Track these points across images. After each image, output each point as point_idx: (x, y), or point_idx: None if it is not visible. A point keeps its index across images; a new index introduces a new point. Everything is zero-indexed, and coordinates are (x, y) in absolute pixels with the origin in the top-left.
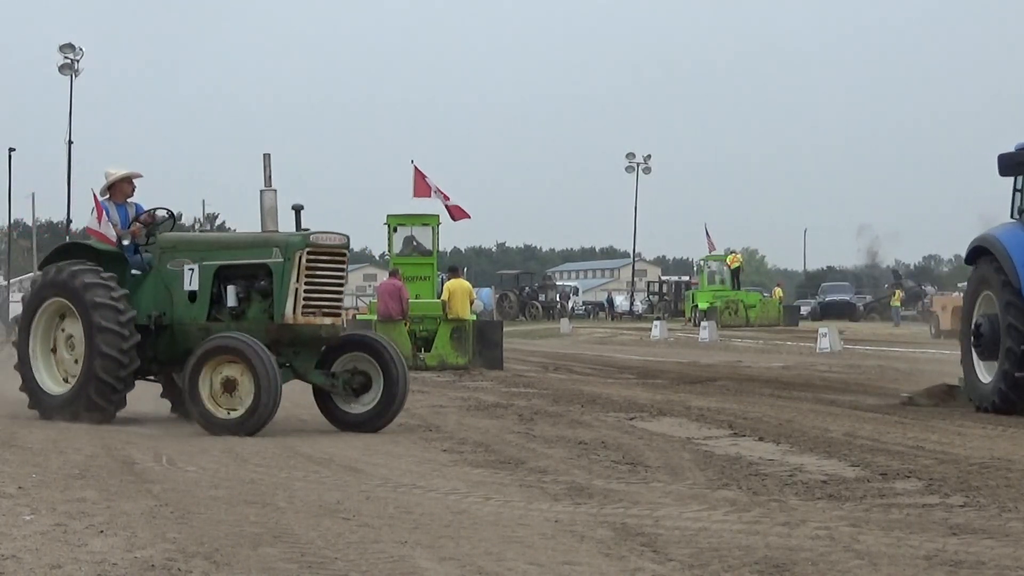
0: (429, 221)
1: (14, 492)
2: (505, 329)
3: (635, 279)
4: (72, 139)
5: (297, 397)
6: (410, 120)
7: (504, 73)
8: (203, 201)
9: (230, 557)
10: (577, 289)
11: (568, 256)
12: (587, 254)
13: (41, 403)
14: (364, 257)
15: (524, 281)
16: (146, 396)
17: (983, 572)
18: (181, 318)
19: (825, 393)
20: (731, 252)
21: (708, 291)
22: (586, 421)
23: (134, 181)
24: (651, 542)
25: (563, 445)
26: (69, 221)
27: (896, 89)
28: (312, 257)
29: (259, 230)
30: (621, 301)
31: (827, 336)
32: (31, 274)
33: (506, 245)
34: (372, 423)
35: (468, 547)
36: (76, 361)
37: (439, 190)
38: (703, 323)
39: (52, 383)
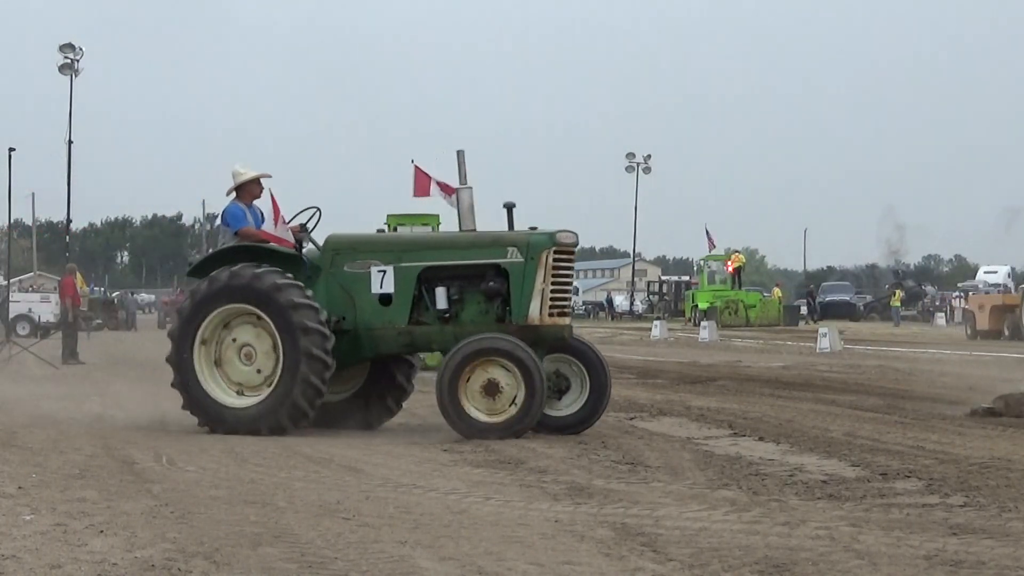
0: (429, 221)
1: (14, 492)
2: None
3: (635, 279)
4: (72, 139)
5: None
6: (410, 120)
7: (504, 73)
8: (203, 201)
9: (230, 557)
10: (577, 289)
11: None
12: (587, 254)
13: (222, 419)
14: None
15: None
16: (145, 396)
17: (983, 572)
18: (369, 322)
19: (825, 393)
20: (732, 252)
21: (708, 291)
22: None
23: (262, 182)
24: (651, 542)
25: (563, 445)
26: (69, 221)
27: (896, 89)
28: (555, 256)
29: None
30: (621, 301)
31: (827, 336)
32: (31, 274)
33: None
34: (578, 426)
35: (468, 547)
36: (259, 371)
37: (443, 185)
38: (703, 323)
39: (225, 396)
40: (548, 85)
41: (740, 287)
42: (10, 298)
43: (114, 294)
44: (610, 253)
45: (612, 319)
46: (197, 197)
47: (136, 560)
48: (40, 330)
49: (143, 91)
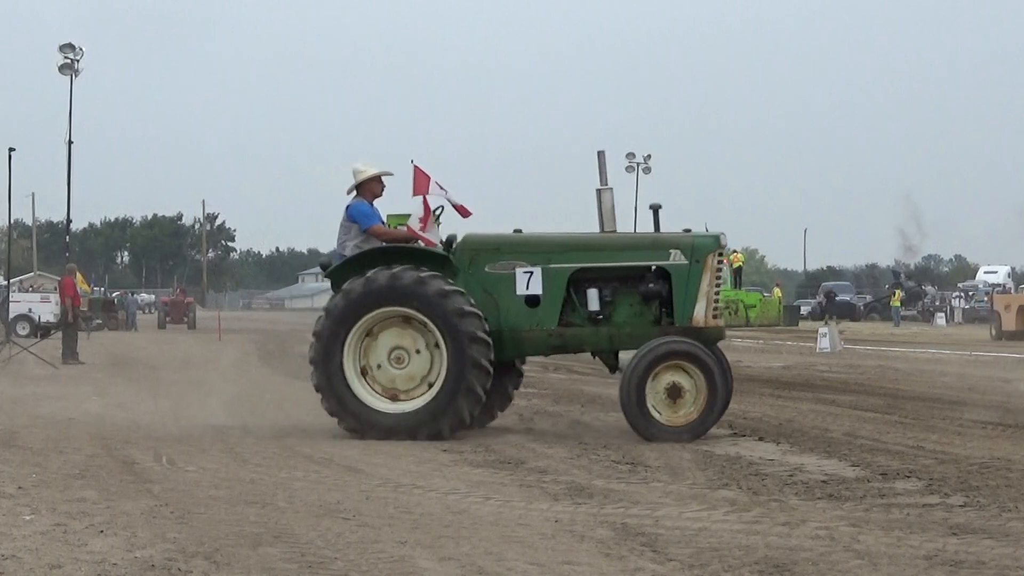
0: None
1: (14, 492)
2: None
3: None
4: (72, 139)
5: (297, 396)
6: (410, 120)
7: (504, 73)
8: (203, 201)
9: (230, 557)
10: None
11: None
12: None
13: (375, 424)
14: None
15: None
16: (145, 396)
17: (983, 572)
18: (515, 324)
19: (825, 393)
20: (732, 252)
21: None
22: (586, 421)
23: (383, 180)
24: (651, 542)
25: (563, 445)
26: (69, 221)
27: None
28: (717, 259)
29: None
30: None
31: (827, 336)
32: (31, 274)
33: None
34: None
35: (468, 547)
36: (412, 377)
37: (441, 186)
38: None
39: (376, 401)
40: (548, 85)
41: (740, 287)
42: (10, 298)
43: (114, 294)
44: None
45: None
46: (197, 197)
47: (136, 560)
48: (40, 330)
49: (143, 91)
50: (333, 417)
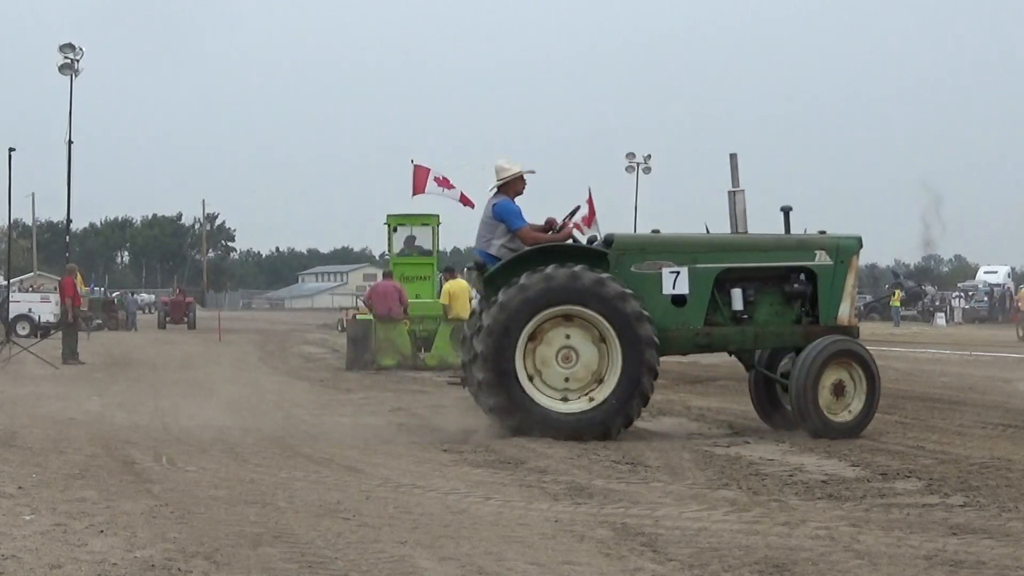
0: (429, 221)
1: (14, 492)
2: None
3: None
4: (72, 139)
5: (297, 397)
6: (410, 120)
7: (504, 73)
8: (203, 201)
9: (230, 557)
10: None
11: None
12: None
13: (546, 423)
14: (364, 257)
15: None
16: (145, 396)
17: (983, 572)
18: (661, 323)
19: None
20: None
21: None
22: None
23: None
24: (651, 542)
25: (563, 445)
26: (69, 221)
27: (896, 91)
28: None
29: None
30: None
31: None
32: (31, 274)
33: None
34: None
35: (468, 547)
36: (580, 376)
37: (440, 180)
38: None
39: (546, 399)
40: (548, 85)
41: None
42: (10, 298)
43: (114, 294)
44: None
45: None
46: (197, 197)
47: (136, 560)
48: (40, 330)
49: (143, 91)
50: (491, 414)
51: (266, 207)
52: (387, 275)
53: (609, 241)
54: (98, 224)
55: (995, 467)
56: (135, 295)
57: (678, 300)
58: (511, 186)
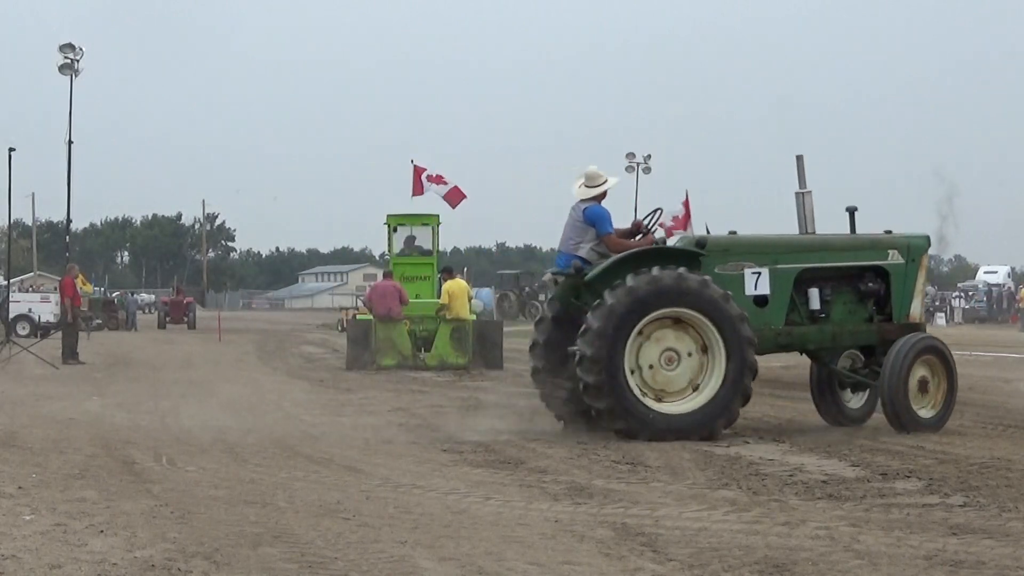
0: (429, 221)
1: (14, 492)
2: (505, 329)
3: None
4: (72, 139)
5: (297, 396)
6: (410, 120)
7: (504, 73)
8: (203, 201)
9: (230, 557)
10: None
11: None
12: None
13: (650, 425)
14: (364, 257)
15: (524, 281)
16: (144, 396)
17: (983, 572)
18: None
19: None
20: None
21: None
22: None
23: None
24: (651, 542)
25: (563, 445)
26: (69, 221)
27: (895, 91)
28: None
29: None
30: None
31: None
32: (31, 274)
33: (506, 245)
34: (864, 419)
35: (468, 547)
36: (680, 379)
37: (435, 178)
38: None
39: (650, 402)
40: (548, 85)
41: None
42: (10, 298)
43: (114, 294)
44: None
45: None
46: (197, 197)
47: (136, 560)
48: (40, 330)
49: (143, 91)
50: (599, 418)
51: (266, 207)
52: (387, 275)
53: (701, 243)
54: (98, 224)
55: (995, 467)
56: (135, 295)
57: (759, 300)
58: (602, 193)
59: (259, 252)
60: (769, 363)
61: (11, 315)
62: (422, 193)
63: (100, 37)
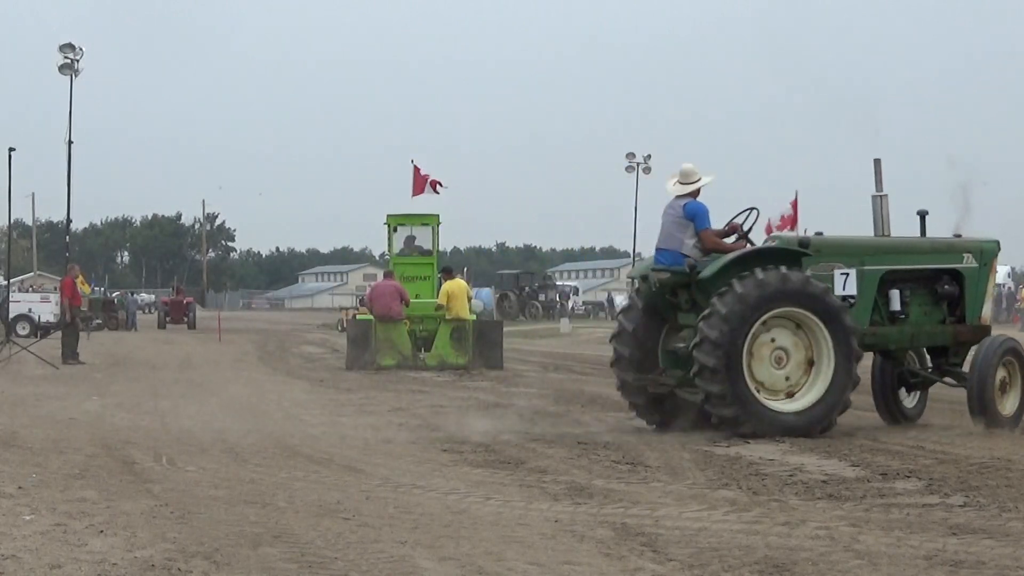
0: (429, 221)
1: (14, 492)
2: (505, 329)
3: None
4: (72, 139)
5: (297, 397)
6: (411, 120)
7: (504, 72)
8: (203, 201)
9: (230, 557)
10: (577, 289)
11: (568, 256)
12: (587, 254)
13: (774, 425)
14: (364, 257)
15: (524, 281)
16: (144, 396)
17: (983, 572)
18: None
19: None
20: None
21: None
22: (586, 421)
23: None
24: (651, 542)
25: (563, 445)
26: (69, 221)
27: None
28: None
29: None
30: (621, 301)
31: None
32: (31, 274)
33: (506, 245)
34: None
35: (468, 547)
36: (787, 377)
37: (436, 183)
38: None
39: (768, 400)
40: (548, 85)
41: None
42: (10, 298)
43: (114, 294)
44: (610, 253)
45: (612, 319)
46: (197, 197)
47: (136, 560)
48: (40, 330)
49: (143, 91)
50: (724, 425)
51: (266, 207)
52: (388, 275)
53: (804, 243)
54: (98, 224)
55: (995, 467)
56: (135, 295)
57: (846, 301)
58: (700, 192)
59: (259, 252)
60: None
61: (11, 315)
62: (423, 192)
63: (100, 37)
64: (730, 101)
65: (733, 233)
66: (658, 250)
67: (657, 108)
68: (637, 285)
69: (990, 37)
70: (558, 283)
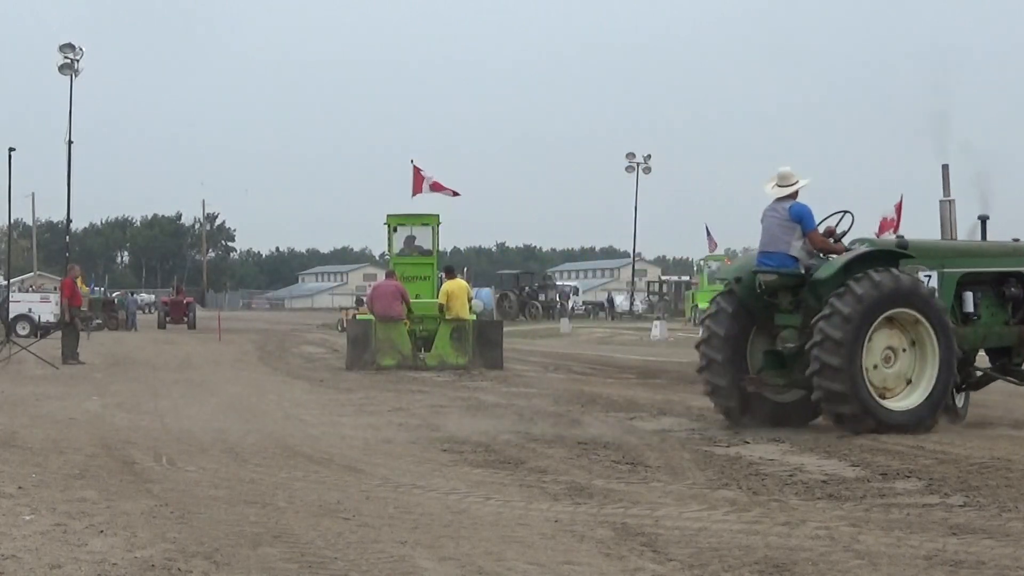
0: (429, 221)
1: (14, 492)
2: (505, 329)
3: (635, 279)
4: (72, 139)
5: (297, 396)
6: (411, 120)
7: (504, 72)
8: (203, 201)
9: (230, 557)
10: (577, 289)
11: (568, 256)
12: (587, 254)
13: (889, 424)
14: (364, 257)
15: (524, 281)
16: (144, 396)
17: (983, 572)
18: None
19: None
20: (732, 252)
21: (708, 291)
22: (586, 421)
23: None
24: (651, 542)
25: (563, 445)
26: (69, 221)
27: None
28: None
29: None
30: (621, 301)
31: None
32: (31, 274)
33: (506, 245)
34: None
35: (468, 547)
36: (898, 376)
37: (435, 185)
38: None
39: (881, 400)
40: (548, 85)
41: None
42: (10, 298)
43: (114, 294)
44: (610, 253)
45: (612, 319)
46: (197, 197)
47: (136, 560)
48: (40, 330)
49: (143, 91)
50: (841, 423)
51: (266, 207)
52: (389, 275)
53: (903, 245)
54: (98, 224)
55: (995, 467)
56: (135, 295)
57: None
58: (795, 195)
59: (259, 252)
60: None
61: (11, 315)
62: (423, 192)
63: (100, 37)
64: (730, 101)
65: (831, 236)
66: (763, 252)
67: (657, 108)
68: (731, 287)
69: None
70: (558, 283)
